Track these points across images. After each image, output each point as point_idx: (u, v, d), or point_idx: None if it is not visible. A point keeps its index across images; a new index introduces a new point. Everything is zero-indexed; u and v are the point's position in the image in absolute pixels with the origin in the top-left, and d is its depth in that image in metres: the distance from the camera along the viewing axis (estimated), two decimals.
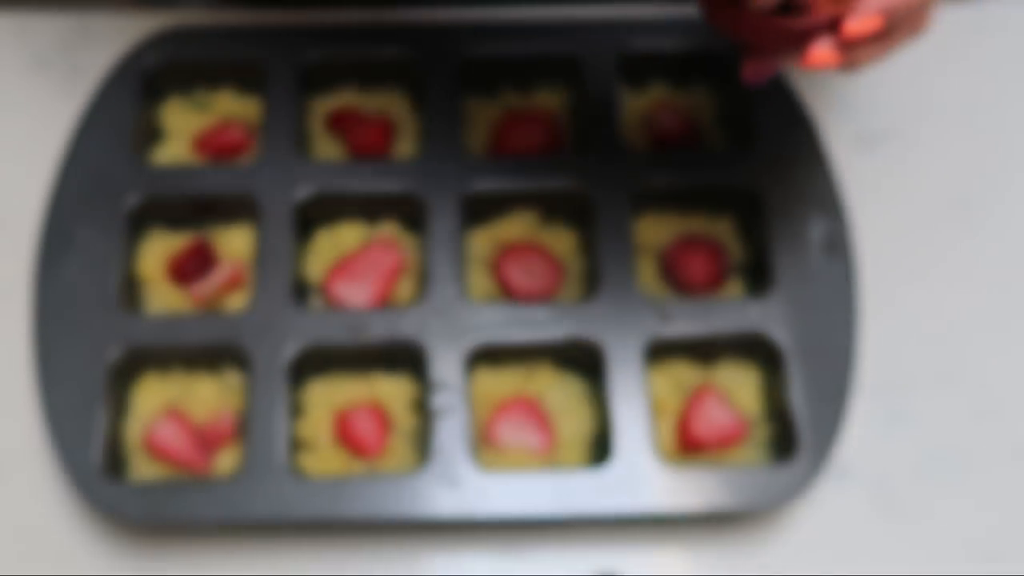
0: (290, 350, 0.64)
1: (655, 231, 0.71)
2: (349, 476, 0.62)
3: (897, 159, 0.76)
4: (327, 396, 0.66)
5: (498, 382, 0.67)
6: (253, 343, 0.65)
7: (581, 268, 0.70)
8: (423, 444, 0.64)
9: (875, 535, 0.66)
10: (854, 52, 0.52)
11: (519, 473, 0.63)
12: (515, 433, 0.65)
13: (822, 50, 0.52)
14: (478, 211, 0.70)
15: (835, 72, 0.54)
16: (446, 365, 0.64)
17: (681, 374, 0.67)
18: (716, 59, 0.74)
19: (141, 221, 0.69)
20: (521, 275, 0.69)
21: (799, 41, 0.53)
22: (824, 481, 0.62)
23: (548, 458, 0.65)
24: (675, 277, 0.69)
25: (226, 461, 0.65)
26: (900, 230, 0.74)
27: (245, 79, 0.74)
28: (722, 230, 0.71)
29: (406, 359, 0.66)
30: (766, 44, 0.55)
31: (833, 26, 0.51)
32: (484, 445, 0.65)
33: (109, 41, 0.77)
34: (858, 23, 0.50)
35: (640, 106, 0.74)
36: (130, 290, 0.68)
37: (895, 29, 0.52)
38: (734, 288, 0.70)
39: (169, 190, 0.69)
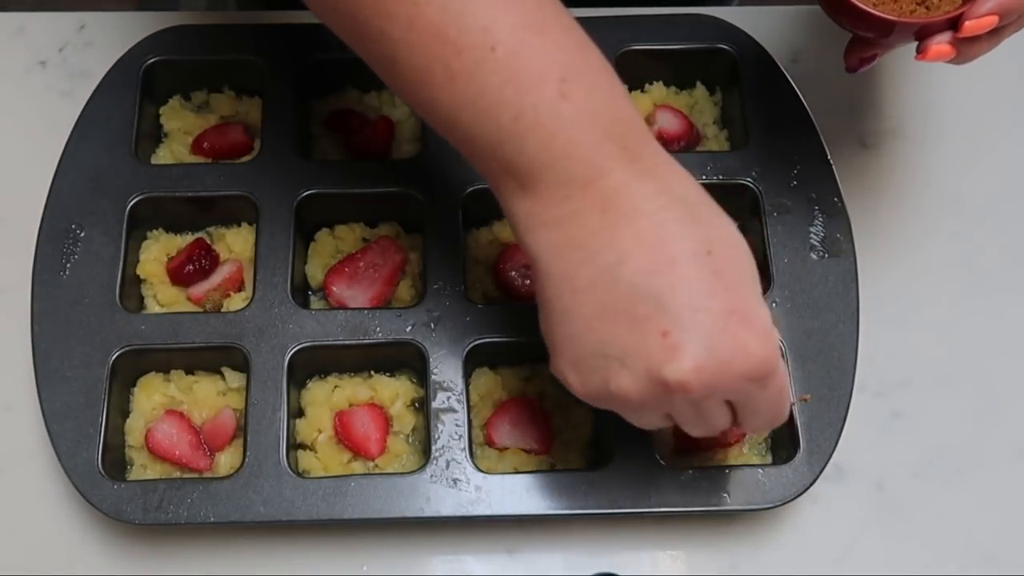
0: (290, 350, 0.64)
1: None
2: (349, 476, 0.62)
3: (897, 159, 0.76)
4: (327, 396, 0.66)
5: (498, 382, 0.67)
6: (253, 343, 0.64)
7: None
8: (423, 444, 0.64)
9: (875, 535, 0.66)
10: (969, 47, 0.56)
11: (519, 473, 0.63)
12: (515, 433, 0.65)
13: (940, 45, 0.56)
14: (478, 211, 0.70)
15: (947, 63, 0.58)
16: (446, 365, 0.64)
17: None
18: (716, 59, 0.74)
19: (141, 221, 0.69)
20: (521, 275, 0.69)
21: (912, 35, 0.57)
22: (824, 481, 0.62)
23: (548, 458, 0.65)
24: None
25: (226, 461, 0.65)
26: (900, 230, 0.74)
27: (245, 79, 0.74)
28: None
29: (406, 359, 0.66)
30: (877, 35, 0.59)
31: (951, 22, 0.56)
32: (484, 445, 0.65)
33: (109, 41, 0.77)
34: (976, 23, 0.55)
35: (640, 106, 0.74)
36: (130, 290, 0.68)
37: (1007, 24, 0.56)
38: None
39: (169, 190, 0.69)
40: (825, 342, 0.65)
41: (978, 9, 0.54)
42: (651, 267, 0.48)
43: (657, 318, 0.47)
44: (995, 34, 0.56)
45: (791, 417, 0.63)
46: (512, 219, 0.51)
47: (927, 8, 0.58)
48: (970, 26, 0.55)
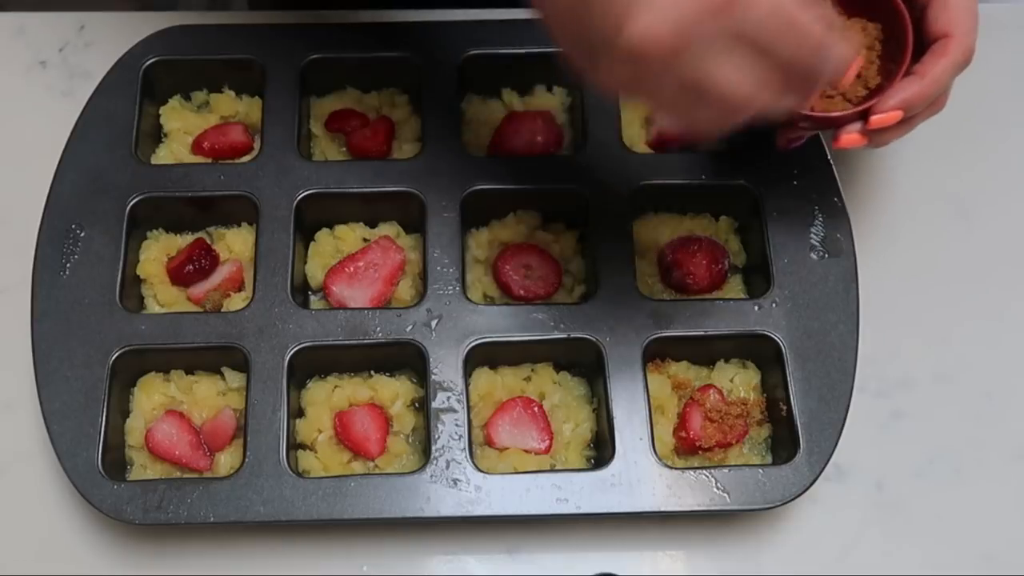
0: (290, 350, 0.64)
1: (655, 231, 0.71)
2: (349, 476, 0.62)
3: (897, 159, 0.76)
4: (327, 396, 0.66)
5: (498, 382, 0.66)
6: (253, 343, 0.65)
7: (581, 268, 0.70)
8: (423, 444, 0.64)
9: (875, 535, 0.66)
10: (879, 135, 0.61)
11: (519, 473, 0.63)
12: (515, 433, 0.65)
13: (851, 135, 0.61)
14: (478, 211, 0.70)
15: (863, 148, 0.62)
16: (446, 365, 0.64)
17: (681, 374, 0.67)
18: None
19: (141, 221, 0.69)
20: (521, 275, 0.69)
21: (830, 125, 0.62)
22: (824, 481, 0.62)
23: (548, 458, 0.65)
24: (675, 277, 0.69)
25: (226, 461, 0.65)
26: (899, 230, 0.74)
27: (245, 79, 0.74)
28: (722, 230, 0.71)
29: (406, 359, 0.66)
30: (798, 126, 0.63)
31: (861, 113, 0.60)
32: (484, 445, 0.65)
33: (109, 41, 0.77)
34: (881, 118, 0.60)
35: (640, 106, 0.74)
36: (130, 290, 0.68)
37: (916, 114, 0.61)
38: (734, 288, 0.70)
39: (169, 190, 0.69)
40: (825, 342, 0.65)
41: (883, 104, 0.59)
42: None
43: None
44: (906, 123, 0.61)
45: (791, 417, 0.63)
46: None
47: (830, 96, 0.62)
48: (876, 120, 0.60)
